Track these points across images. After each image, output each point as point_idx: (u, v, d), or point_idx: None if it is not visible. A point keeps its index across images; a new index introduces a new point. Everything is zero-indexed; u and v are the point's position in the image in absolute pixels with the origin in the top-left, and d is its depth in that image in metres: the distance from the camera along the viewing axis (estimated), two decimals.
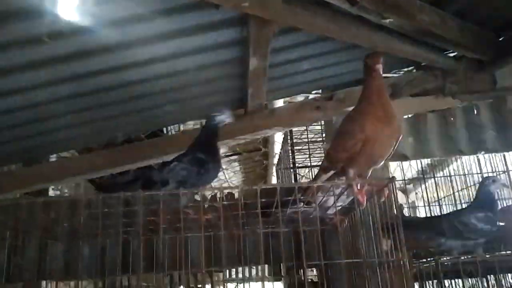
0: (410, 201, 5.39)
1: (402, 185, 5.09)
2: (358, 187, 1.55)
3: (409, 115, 2.76)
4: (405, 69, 2.76)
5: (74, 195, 3.31)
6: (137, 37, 1.81)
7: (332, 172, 1.59)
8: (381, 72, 1.66)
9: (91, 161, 2.59)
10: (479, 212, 2.21)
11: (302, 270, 2.92)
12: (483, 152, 2.69)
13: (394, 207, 1.42)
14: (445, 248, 2.26)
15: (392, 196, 1.42)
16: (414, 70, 2.75)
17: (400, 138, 1.61)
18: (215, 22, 1.86)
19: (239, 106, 2.63)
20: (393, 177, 1.44)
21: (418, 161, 4.38)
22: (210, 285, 4.48)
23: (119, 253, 1.98)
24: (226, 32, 1.94)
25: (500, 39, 2.43)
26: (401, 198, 5.23)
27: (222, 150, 5.22)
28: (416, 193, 5.52)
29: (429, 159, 4.34)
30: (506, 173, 3.21)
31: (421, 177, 5.02)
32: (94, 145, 2.67)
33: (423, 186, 4.94)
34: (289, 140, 3.93)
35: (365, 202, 1.55)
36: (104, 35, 1.71)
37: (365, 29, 2.08)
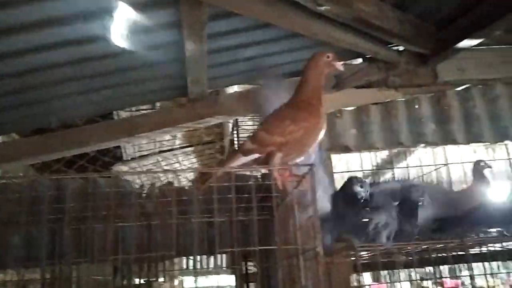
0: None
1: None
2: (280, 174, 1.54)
3: (353, 107, 2.76)
4: (350, 61, 2.76)
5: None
6: (63, 15, 1.72)
7: (254, 156, 1.56)
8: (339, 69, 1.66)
9: (22, 146, 2.47)
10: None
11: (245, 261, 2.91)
12: (423, 145, 2.73)
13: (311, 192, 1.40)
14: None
15: (310, 184, 1.40)
16: (361, 62, 2.76)
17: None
18: (147, 2, 1.80)
19: (182, 93, 2.57)
20: (312, 165, 1.42)
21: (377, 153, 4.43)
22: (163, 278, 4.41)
23: (51, 241, 1.91)
24: (159, 13, 1.88)
25: (440, 33, 2.46)
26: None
27: (177, 142, 5.15)
28: None
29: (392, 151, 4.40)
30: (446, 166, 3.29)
31: (378, 170, 5.14)
32: (26, 131, 2.55)
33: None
34: (234, 129, 3.89)
35: (285, 188, 1.54)
36: (26, 12, 1.62)
37: (304, 17, 2.06)
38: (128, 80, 2.36)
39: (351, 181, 2.22)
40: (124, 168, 4.37)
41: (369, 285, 4.52)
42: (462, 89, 2.80)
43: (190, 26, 1.90)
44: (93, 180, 2.27)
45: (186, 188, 2.41)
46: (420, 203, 2.24)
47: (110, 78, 2.28)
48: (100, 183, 2.32)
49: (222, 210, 2.39)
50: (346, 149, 2.71)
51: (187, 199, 2.34)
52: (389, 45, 2.61)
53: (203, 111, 2.57)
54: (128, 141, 2.99)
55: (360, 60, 2.79)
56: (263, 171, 1.83)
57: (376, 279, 4.43)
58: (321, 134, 1.57)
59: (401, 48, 2.64)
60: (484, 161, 2.99)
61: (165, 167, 5.18)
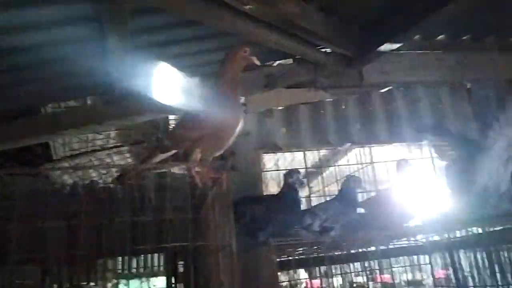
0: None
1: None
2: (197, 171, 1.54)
3: (283, 106, 2.81)
4: (281, 61, 2.82)
5: None
6: None
7: (172, 152, 1.55)
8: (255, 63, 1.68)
9: None
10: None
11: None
12: (349, 144, 2.83)
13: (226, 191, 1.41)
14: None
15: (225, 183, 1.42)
16: (291, 62, 2.82)
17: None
18: None
19: (108, 90, 2.49)
20: (227, 162, 1.44)
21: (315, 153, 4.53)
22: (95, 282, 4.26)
23: None
24: (78, 6, 1.81)
25: (363, 37, 2.56)
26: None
27: (111, 141, 4.99)
28: (311, 187, 5.69)
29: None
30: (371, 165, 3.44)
31: (314, 170, 5.26)
32: None
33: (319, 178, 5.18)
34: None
35: (203, 184, 1.54)
36: None
37: (229, 15, 2.06)
38: (47, 75, 2.26)
39: (288, 174, 2.30)
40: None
41: (304, 279, 4.66)
42: (386, 91, 2.93)
43: (111, 19, 1.85)
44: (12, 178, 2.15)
45: (111, 186, 2.35)
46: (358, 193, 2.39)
47: (33, 71, 2.18)
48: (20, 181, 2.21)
49: (150, 208, 2.35)
50: (276, 148, 2.75)
51: (113, 198, 2.28)
52: (317, 47, 2.68)
53: (130, 109, 2.51)
54: (50, 138, 2.86)
55: (290, 61, 2.85)
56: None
57: (309, 274, 4.54)
58: (238, 128, 1.59)
59: (329, 50, 2.73)
60: (406, 160, 3.15)
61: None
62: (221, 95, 1.64)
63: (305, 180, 5.55)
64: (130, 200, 2.23)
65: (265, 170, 3.20)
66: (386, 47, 2.46)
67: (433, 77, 2.98)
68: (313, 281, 4.15)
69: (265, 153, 2.80)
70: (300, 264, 2.99)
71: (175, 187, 2.07)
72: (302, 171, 4.99)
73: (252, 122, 2.71)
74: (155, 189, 2.48)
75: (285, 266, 2.85)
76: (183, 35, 2.27)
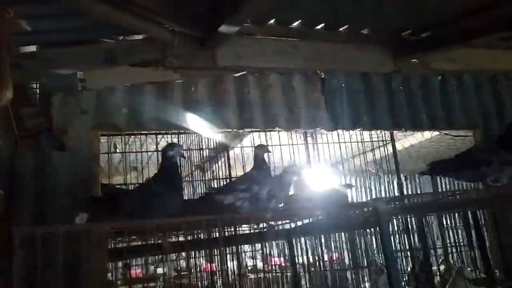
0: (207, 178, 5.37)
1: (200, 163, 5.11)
2: None
3: (126, 85, 2.63)
4: (122, 37, 2.63)
5: None
6: None
7: None
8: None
9: None
10: None
11: None
12: (197, 129, 2.73)
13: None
14: None
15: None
16: (135, 39, 2.65)
17: None
18: None
19: None
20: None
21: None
22: None
23: None
24: None
25: (208, 17, 2.47)
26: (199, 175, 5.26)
27: None
28: (213, 171, 5.59)
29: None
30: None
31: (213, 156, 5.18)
32: None
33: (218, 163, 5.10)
34: None
35: None
36: None
37: None
38: None
39: (168, 146, 2.26)
40: None
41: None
42: (239, 76, 2.87)
43: None
44: None
45: None
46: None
47: None
48: None
49: None
50: (115, 129, 2.58)
51: None
52: (164, 26, 2.54)
53: None
54: None
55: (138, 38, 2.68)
56: None
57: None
58: (4, 99, 1.43)
59: (176, 29, 2.60)
60: (265, 145, 3.14)
61: None
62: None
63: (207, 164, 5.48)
64: None
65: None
66: (228, 29, 2.39)
67: (288, 64, 2.98)
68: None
69: (103, 135, 2.61)
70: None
71: None
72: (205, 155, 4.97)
73: (89, 100, 2.51)
74: None
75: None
76: None
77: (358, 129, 3.08)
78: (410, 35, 3.18)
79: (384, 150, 4.88)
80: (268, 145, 2.95)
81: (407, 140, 5.49)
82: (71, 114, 2.47)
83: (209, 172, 5.43)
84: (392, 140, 4.06)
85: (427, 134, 4.66)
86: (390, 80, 3.20)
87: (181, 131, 3.34)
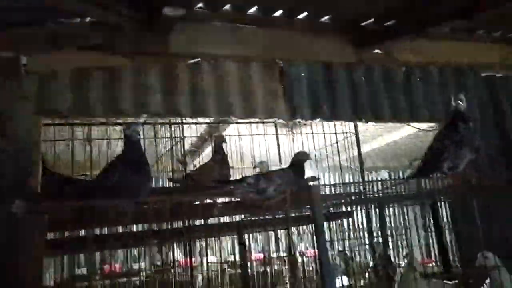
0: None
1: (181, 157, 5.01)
2: None
3: (71, 69, 2.53)
4: (68, 20, 2.52)
5: None
6: None
7: None
8: None
9: None
10: None
11: None
12: (145, 115, 2.64)
13: None
14: None
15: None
16: (80, 21, 2.54)
17: None
18: None
19: None
20: None
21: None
22: None
23: None
24: None
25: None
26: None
27: None
28: (195, 165, 5.49)
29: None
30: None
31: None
32: None
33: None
34: None
35: None
36: None
37: None
38: None
39: (126, 125, 2.22)
40: None
41: None
42: (193, 62, 2.78)
43: None
44: None
45: None
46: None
47: None
48: None
49: None
50: (58, 115, 2.48)
51: None
52: (108, 8, 2.44)
53: None
54: None
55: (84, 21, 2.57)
56: None
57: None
58: None
59: (124, 11, 2.49)
60: (222, 135, 3.07)
61: None
62: None
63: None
64: None
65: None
66: (173, 11, 2.30)
67: (245, 52, 2.89)
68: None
69: (44, 118, 2.50)
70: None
71: None
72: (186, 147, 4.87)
73: (30, 84, 2.41)
74: None
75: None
76: None
77: (317, 119, 3.00)
78: (373, 25, 3.10)
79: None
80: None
81: (391, 136, 5.40)
82: (11, 99, 2.37)
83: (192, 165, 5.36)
84: (356, 132, 3.99)
85: (410, 130, 4.57)
86: (352, 70, 3.13)
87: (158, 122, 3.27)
